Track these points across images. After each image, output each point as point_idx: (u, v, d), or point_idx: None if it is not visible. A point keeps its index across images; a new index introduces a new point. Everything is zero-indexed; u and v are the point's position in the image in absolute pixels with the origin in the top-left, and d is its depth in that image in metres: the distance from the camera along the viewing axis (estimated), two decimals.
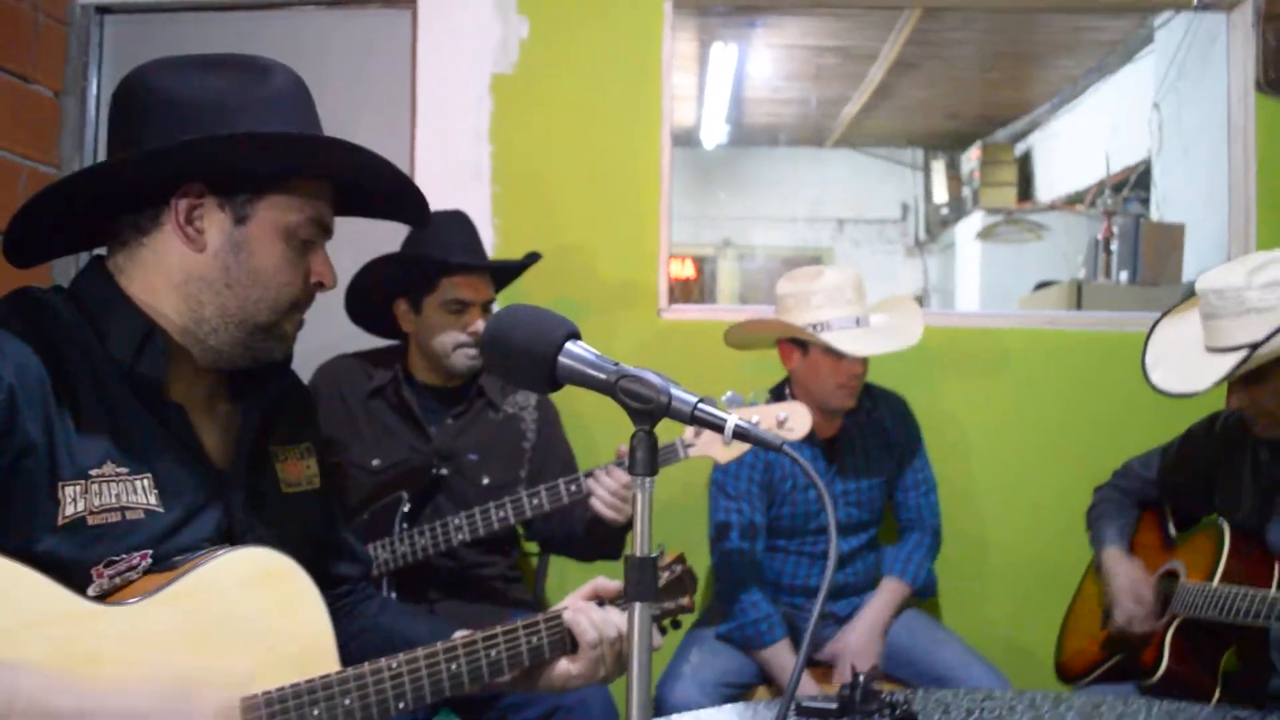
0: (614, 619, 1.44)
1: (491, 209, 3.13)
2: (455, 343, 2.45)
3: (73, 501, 1.18)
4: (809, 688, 2.53)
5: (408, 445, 2.46)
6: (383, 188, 1.41)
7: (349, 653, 1.33)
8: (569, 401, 2.71)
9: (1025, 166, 7.37)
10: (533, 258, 2.67)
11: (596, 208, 3.14)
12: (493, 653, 1.37)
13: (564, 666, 1.45)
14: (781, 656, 2.52)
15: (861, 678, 1.27)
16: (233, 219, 1.29)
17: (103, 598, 1.18)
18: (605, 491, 2.24)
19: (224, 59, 1.32)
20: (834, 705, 1.30)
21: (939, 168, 8.23)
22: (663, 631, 1.59)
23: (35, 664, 1.08)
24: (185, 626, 1.19)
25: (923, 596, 2.78)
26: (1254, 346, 1.92)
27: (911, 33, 5.26)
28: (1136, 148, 5.34)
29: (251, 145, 1.25)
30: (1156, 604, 2.32)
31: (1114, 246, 4.53)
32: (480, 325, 2.46)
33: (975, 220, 6.93)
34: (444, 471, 2.44)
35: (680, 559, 1.64)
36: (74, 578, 1.15)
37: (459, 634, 1.41)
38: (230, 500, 1.34)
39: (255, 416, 1.39)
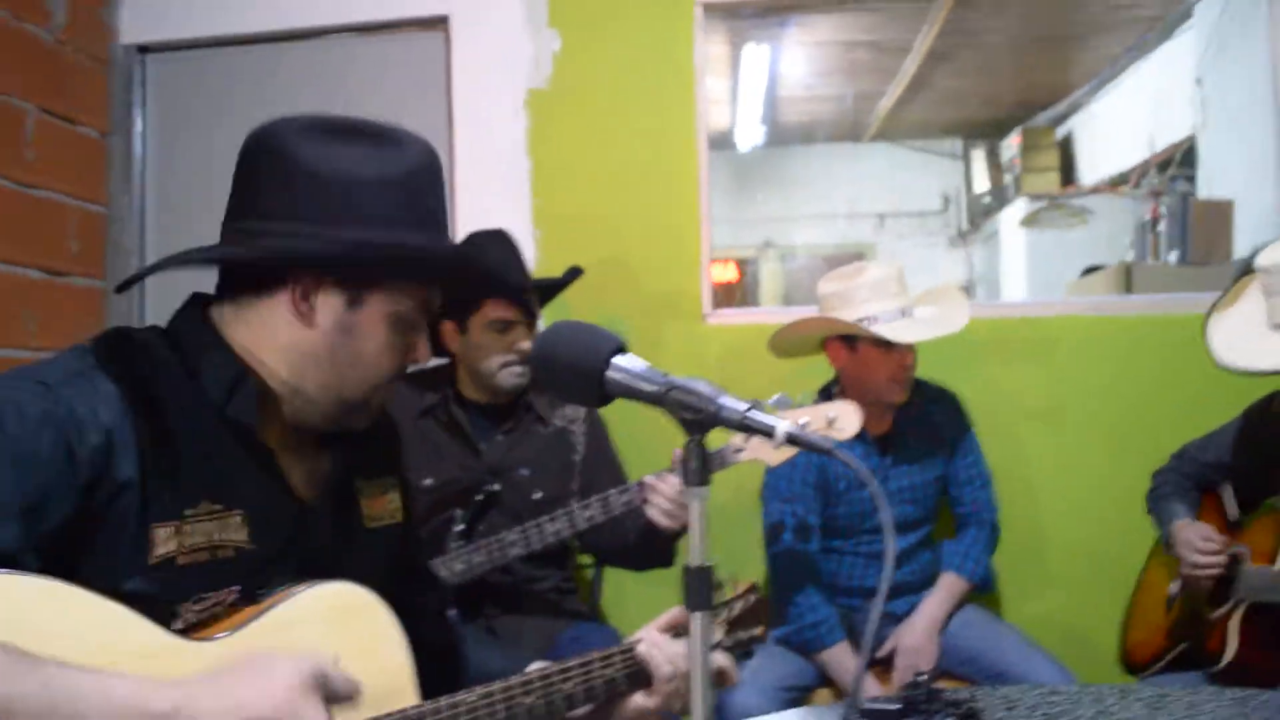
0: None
1: (533, 222, 3.16)
2: (502, 362, 2.47)
3: (164, 542, 1.19)
4: (868, 687, 2.52)
5: (458, 463, 2.49)
6: (500, 284, 1.44)
7: (424, 685, 1.34)
8: (619, 411, 2.73)
9: (1067, 150, 7.27)
10: (574, 273, 2.69)
11: (637, 216, 3.15)
12: (568, 685, 1.37)
13: (639, 700, 1.45)
14: (841, 658, 2.51)
15: (924, 677, 1.27)
16: (346, 302, 1.30)
17: (187, 631, 1.20)
18: (661, 498, 2.24)
19: (358, 126, 1.33)
20: (897, 706, 1.30)
21: (979, 156, 8.14)
22: (739, 660, 1.57)
23: None
24: None
25: (982, 591, 2.76)
26: None
27: (944, 23, 5.22)
28: (1179, 125, 5.26)
29: (381, 254, 1.27)
30: (1226, 556, 2.27)
31: (1162, 227, 4.47)
32: (526, 343, 2.48)
33: (1018, 208, 6.85)
34: (496, 487, 2.46)
35: (753, 588, 1.63)
36: (161, 614, 1.17)
37: (534, 666, 1.42)
38: (315, 537, 1.35)
39: (341, 454, 1.41)
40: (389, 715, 1.21)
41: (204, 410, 1.26)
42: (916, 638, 2.55)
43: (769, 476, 2.63)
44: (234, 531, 1.25)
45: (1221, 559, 2.25)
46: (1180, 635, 2.36)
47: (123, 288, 1.42)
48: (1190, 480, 2.50)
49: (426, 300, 1.35)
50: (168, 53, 3.33)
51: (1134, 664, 2.53)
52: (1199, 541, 2.28)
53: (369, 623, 1.29)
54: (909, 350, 2.51)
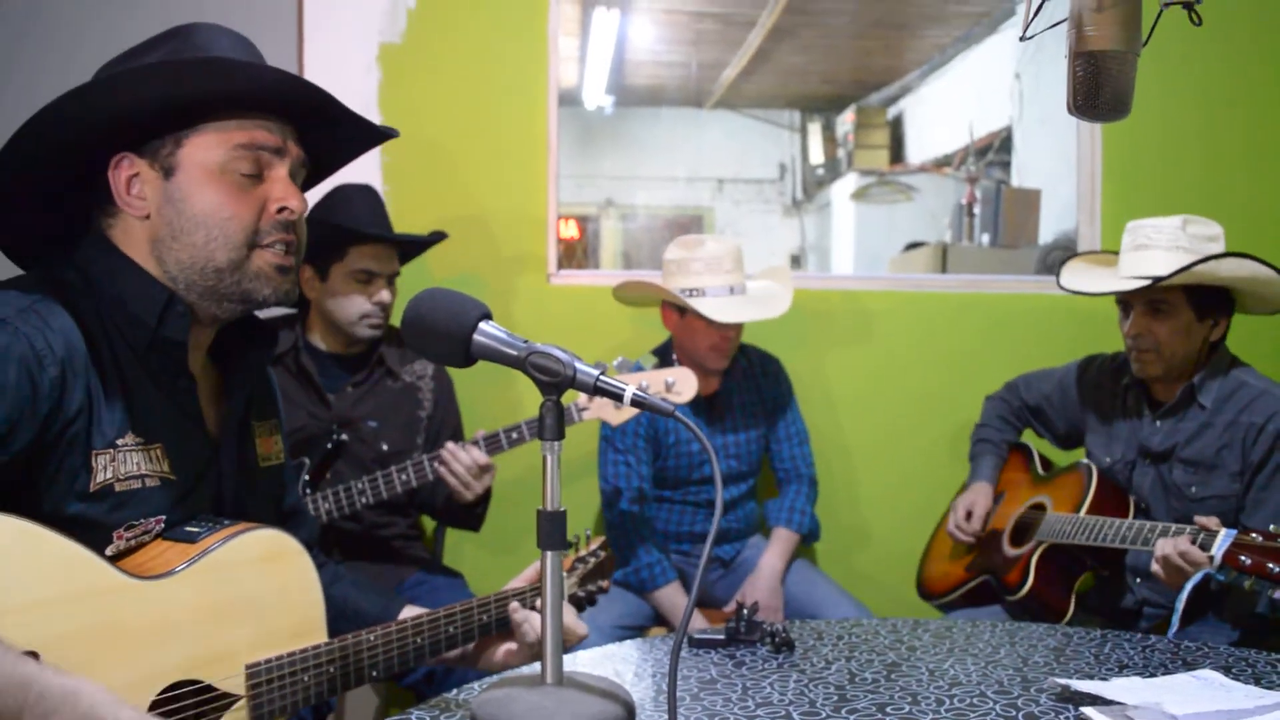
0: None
1: (382, 178, 3.18)
2: (361, 312, 2.52)
3: (104, 469, 1.25)
4: (701, 626, 2.71)
5: (306, 411, 2.53)
6: (303, 102, 1.39)
7: None
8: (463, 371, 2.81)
9: (897, 130, 7.61)
10: (439, 235, 2.77)
11: (486, 173, 3.21)
12: (450, 628, 1.50)
13: (506, 646, 1.59)
14: (672, 597, 2.70)
15: (745, 611, 1.42)
16: (162, 175, 1.32)
17: (118, 557, 1.27)
18: (458, 465, 2.35)
19: (161, 36, 1.36)
20: (722, 636, 1.46)
21: (815, 130, 8.42)
22: (580, 609, 1.73)
23: (64, 637, 1.14)
24: (203, 602, 1.29)
25: (809, 541, 2.99)
26: (1194, 263, 2.23)
27: (788, 1, 5.41)
28: (998, 115, 5.61)
29: (137, 83, 1.26)
30: (982, 529, 2.66)
31: (976, 210, 4.79)
32: (385, 295, 2.54)
33: (850, 181, 7.17)
34: (343, 437, 2.51)
35: (605, 545, 1.77)
36: (96, 538, 1.23)
37: (407, 611, 1.56)
38: (223, 471, 1.43)
39: (243, 391, 1.47)
40: (304, 651, 1.32)
41: (125, 341, 1.31)
42: (763, 592, 2.77)
43: (605, 430, 2.78)
44: (157, 462, 1.31)
45: (969, 540, 2.69)
46: (980, 569, 2.66)
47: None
48: (1015, 414, 2.84)
49: (251, 140, 1.34)
50: None
51: (931, 592, 2.83)
52: (962, 518, 2.70)
53: (292, 568, 1.40)
54: (732, 325, 2.69)
